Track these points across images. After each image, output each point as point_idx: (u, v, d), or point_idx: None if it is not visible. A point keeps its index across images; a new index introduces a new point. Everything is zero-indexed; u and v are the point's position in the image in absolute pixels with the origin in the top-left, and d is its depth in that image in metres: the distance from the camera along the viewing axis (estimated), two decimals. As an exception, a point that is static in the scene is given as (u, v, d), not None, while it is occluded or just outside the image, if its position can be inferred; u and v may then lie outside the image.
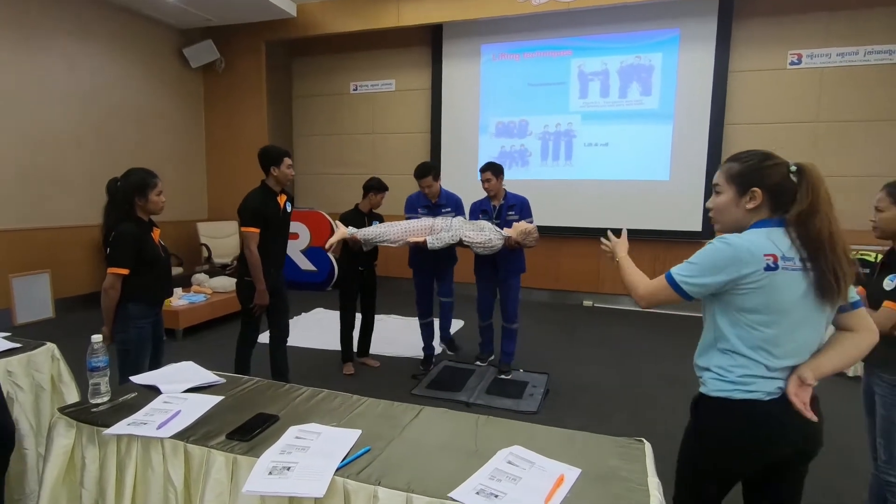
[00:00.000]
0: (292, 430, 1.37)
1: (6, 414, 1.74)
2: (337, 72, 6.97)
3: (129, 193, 2.13)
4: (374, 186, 3.63)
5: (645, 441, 1.36)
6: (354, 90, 6.91)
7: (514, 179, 6.12)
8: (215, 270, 6.00)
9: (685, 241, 5.57)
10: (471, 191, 3.61)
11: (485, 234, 3.29)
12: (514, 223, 3.41)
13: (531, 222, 3.46)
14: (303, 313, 5.31)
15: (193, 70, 6.70)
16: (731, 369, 1.23)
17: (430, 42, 6.42)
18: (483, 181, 3.55)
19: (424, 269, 3.76)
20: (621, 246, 1.54)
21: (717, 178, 1.31)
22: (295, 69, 7.25)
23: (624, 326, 5.03)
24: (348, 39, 6.61)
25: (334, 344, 4.01)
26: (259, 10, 5.92)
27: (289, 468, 1.20)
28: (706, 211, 5.56)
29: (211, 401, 1.57)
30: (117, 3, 5.61)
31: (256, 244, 2.85)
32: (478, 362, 3.89)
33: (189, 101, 6.75)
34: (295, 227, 6.23)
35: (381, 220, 3.69)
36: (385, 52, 6.69)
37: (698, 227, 5.58)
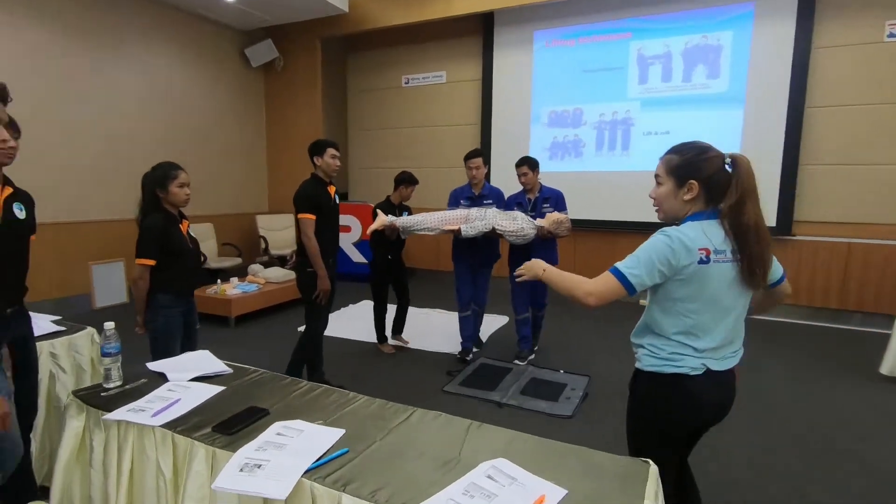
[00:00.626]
0: (275, 426, 1.34)
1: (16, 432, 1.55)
2: (389, 66, 7.00)
3: (151, 186, 2.22)
4: (406, 180, 3.77)
5: (651, 463, 1.20)
6: (406, 84, 6.91)
7: (567, 171, 5.89)
8: (272, 261, 6.25)
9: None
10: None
11: (517, 223, 3.30)
12: (548, 213, 3.42)
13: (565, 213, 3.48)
14: (350, 304, 5.38)
15: (254, 69, 7.00)
16: (662, 347, 1.36)
17: (481, 31, 6.28)
18: (519, 175, 3.58)
19: (466, 261, 3.74)
20: (536, 263, 1.53)
21: (658, 169, 1.39)
22: (349, 65, 7.37)
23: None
24: (400, 33, 6.61)
25: (374, 335, 4.04)
26: (313, 7, 6.05)
27: (259, 466, 1.17)
28: (781, 204, 5.02)
29: (211, 391, 1.59)
30: (184, 8, 5.94)
31: (313, 230, 2.88)
32: (516, 361, 3.76)
33: (250, 99, 7.05)
34: (347, 219, 6.35)
35: (409, 211, 3.83)
36: (436, 45, 6.63)
37: (772, 222, 5.02)
